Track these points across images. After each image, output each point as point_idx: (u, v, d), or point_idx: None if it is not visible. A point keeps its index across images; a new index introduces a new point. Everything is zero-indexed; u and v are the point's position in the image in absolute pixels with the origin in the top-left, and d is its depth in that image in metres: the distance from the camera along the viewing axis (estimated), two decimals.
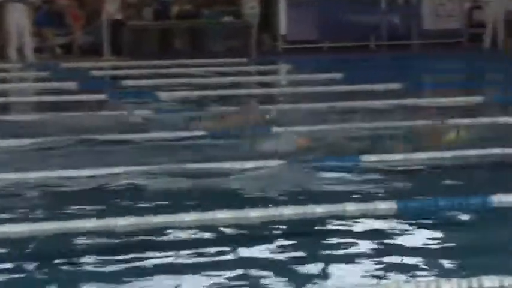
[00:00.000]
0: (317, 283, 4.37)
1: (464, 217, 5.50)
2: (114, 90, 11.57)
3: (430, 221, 5.39)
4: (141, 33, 16.96)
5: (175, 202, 5.88)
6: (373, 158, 7.01)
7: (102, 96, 10.64)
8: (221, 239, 5.13)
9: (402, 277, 4.42)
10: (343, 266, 4.62)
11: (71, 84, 11.86)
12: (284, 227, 5.36)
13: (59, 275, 4.53)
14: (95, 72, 13.88)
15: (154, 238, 5.11)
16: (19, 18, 15.65)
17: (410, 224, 5.34)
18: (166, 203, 5.88)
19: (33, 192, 6.19)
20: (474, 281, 4.05)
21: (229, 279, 4.43)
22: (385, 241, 5.04)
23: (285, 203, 5.70)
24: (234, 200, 5.94)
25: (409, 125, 8.44)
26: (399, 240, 5.08)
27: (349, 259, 4.72)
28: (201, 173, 6.56)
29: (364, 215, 5.44)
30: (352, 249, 4.90)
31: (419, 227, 5.30)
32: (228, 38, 17.17)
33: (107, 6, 16.45)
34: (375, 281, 4.38)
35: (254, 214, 5.36)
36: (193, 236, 5.16)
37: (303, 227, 5.35)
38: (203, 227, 5.24)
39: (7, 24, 15.72)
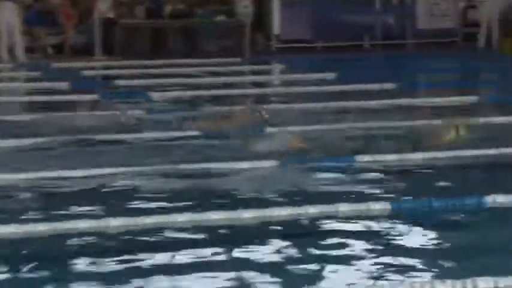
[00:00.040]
0: (312, 284, 4.36)
1: (459, 218, 5.50)
2: (106, 90, 11.53)
3: (424, 222, 5.37)
4: (133, 32, 16.89)
5: (169, 203, 5.86)
6: (367, 158, 7.00)
7: (94, 97, 10.58)
8: (216, 240, 5.12)
9: (396, 278, 4.41)
10: (337, 266, 4.62)
11: (63, 85, 11.80)
12: (279, 227, 5.34)
13: (54, 275, 4.53)
14: (86, 72, 13.82)
15: (148, 239, 5.11)
16: (9, 17, 15.55)
17: (404, 225, 5.33)
18: (161, 203, 5.86)
19: (26, 194, 6.16)
20: (468, 282, 4.06)
21: (224, 280, 4.43)
22: (379, 242, 5.03)
23: (279, 204, 5.69)
24: (229, 200, 5.92)
25: (404, 125, 8.44)
26: (393, 241, 5.07)
27: (343, 260, 4.71)
28: (195, 173, 6.55)
29: (358, 216, 5.44)
30: (346, 250, 4.89)
31: (413, 228, 5.29)
32: (221, 38, 17.13)
33: (99, 4, 16.38)
34: (369, 282, 4.38)
35: (248, 215, 5.36)
36: (188, 237, 5.16)
37: (297, 228, 5.34)
38: (198, 228, 5.23)
39: None
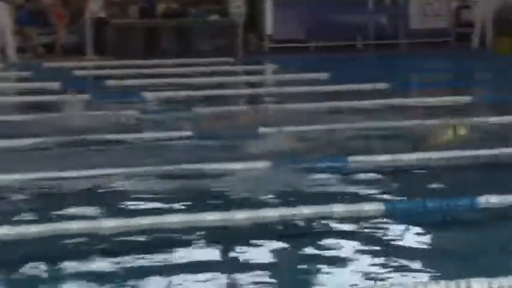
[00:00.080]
0: (306, 285, 4.37)
1: (452, 218, 5.49)
2: (97, 90, 11.48)
3: (418, 222, 5.36)
4: (126, 32, 16.83)
5: (164, 203, 5.86)
6: (361, 158, 6.99)
7: (85, 97, 10.52)
8: (211, 241, 5.10)
9: (390, 279, 4.41)
10: (330, 267, 4.62)
11: (54, 85, 11.73)
12: (273, 228, 5.33)
13: (48, 276, 4.53)
14: (78, 72, 13.76)
15: (142, 239, 5.09)
16: (1, 17, 15.49)
17: (398, 226, 5.33)
18: (155, 204, 5.86)
19: (19, 195, 6.13)
20: (462, 283, 4.06)
21: (218, 281, 4.44)
22: (373, 243, 5.03)
23: (273, 205, 5.69)
24: (222, 201, 5.91)
25: (397, 125, 8.43)
26: (387, 242, 5.06)
27: (337, 261, 4.71)
28: (190, 174, 6.53)
29: (352, 217, 5.44)
30: (340, 251, 4.88)
31: (407, 229, 5.29)
32: (214, 37, 17.09)
33: (91, 4, 16.32)
34: (363, 282, 4.39)
35: (242, 216, 5.35)
36: (182, 238, 5.15)
37: (291, 229, 5.33)
38: (192, 229, 5.22)
39: None
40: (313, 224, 5.35)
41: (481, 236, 5.18)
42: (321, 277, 4.47)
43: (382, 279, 4.38)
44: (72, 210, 5.68)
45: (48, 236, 5.04)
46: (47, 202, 6.01)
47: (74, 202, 5.90)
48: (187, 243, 5.04)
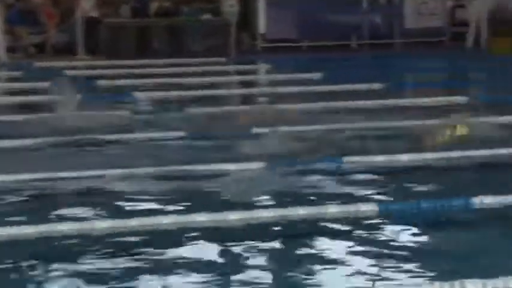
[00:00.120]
0: (300, 286, 4.37)
1: (447, 219, 5.49)
2: (89, 90, 11.41)
3: (412, 223, 5.36)
4: (118, 31, 16.76)
5: (157, 204, 5.87)
6: (356, 159, 6.99)
7: (76, 97, 10.38)
8: (204, 242, 5.09)
9: (384, 280, 4.41)
10: (324, 267, 4.63)
11: (45, 85, 11.64)
12: (267, 229, 5.32)
13: (42, 277, 4.51)
14: (69, 72, 13.68)
15: (137, 240, 5.09)
16: None
17: (392, 227, 5.33)
18: (148, 205, 5.86)
19: (10, 196, 6.10)
20: (456, 284, 4.06)
21: (213, 282, 4.44)
22: (367, 244, 5.02)
23: (267, 206, 5.71)
24: (217, 202, 5.89)
25: (392, 126, 8.41)
26: (381, 243, 5.05)
27: (329, 262, 4.72)
28: (183, 175, 6.52)
29: (346, 218, 5.45)
30: (333, 252, 4.88)
31: (401, 230, 5.29)
32: (207, 37, 17.05)
33: (82, 3, 16.25)
34: (357, 283, 4.38)
35: (235, 217, 5.37)
36: (175, 239, 5.13)
37: (285, 230, 5.33)
38: (185, 229, 5.23)
39: None
40: (308, 224, 5.35)
41: (476, 237, 5.18)
42: (314, 278, 4.47)
43: (376, 280, 4.38)
44: (64, 211, 5.67)
45: (40, 237, 5.05)
46: (39, 203, 6.00)
47: (65, 203, 5.89)
48: (180, 244, 5.03)
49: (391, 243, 5.04)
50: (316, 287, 4.37)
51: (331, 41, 17.25)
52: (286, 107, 9.79)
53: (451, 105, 9.80)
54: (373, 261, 4.68)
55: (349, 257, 4.79)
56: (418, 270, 4.57)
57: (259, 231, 5.28)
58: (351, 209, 5.55)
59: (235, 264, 4.70)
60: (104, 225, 5.24)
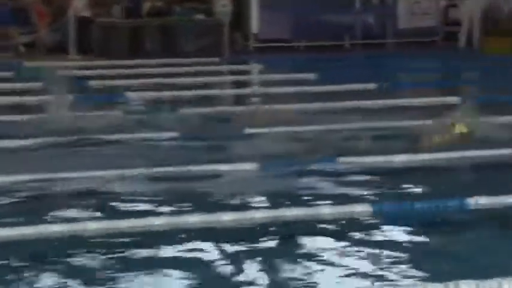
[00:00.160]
0: (295, 286, 4.37)
1: (442, 220, 5.50)
2: (80, 90, 11.37)
3: (406, 224, 5.36)
4: (110, 31, 16.71)
5: (152, 205, 5.86)
6: (350, 159, 6.99)
7: (68, 97, 10.36)
8: (197, 242, 5.08)
9: (378, 280, 4.41)
10: (319, 268, 4.64)
11: (36, 85, 11.60)
12: (261, 230, 5.31)
13: (37, 277, 4.52)
14: (60, 72, 13.58)
15: (129, 240, 5.08)
16: None
17: (386, 227, 5.33)
18: (142, 206, 5.86)
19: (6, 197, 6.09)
20: (451, 285, 4.06)
21: (206, 282, 4.44)
22: (361, 244, 5.02)
23: (260, 207, 5.72)
24: (212, 202, 5.89)
25: (387, 126, 8.40)
26: (375, 244, 5.05)
27: (324, 262, 4.72)
28: (178, 176, 6.52)
29: (340, 218, 5.46)
30: (327, 253, 4.87)
31: (395, 230, 5.30)
32: (199, 37, 17.01)
33: (75, 2, 16.21)
34: (351, 284, 4.39)
35: (228, 217, 5.37)
36: (168, 238, 5.14)
37: (279, 230, 5.33)
38: (179, 230, 5.23)
39: None
40: (302, 225, 5.34)
41: (471, 238, 5.19)
42: (308, 278, 4.46)
43: (369, 281, 4.39)
44: (56, 213, 5.65)
45: (37, 237, 5.06)
46: (28, 205, 5.98)
47: (56, 204, 5.86)
48: (173, 245, 5.03)
49: (385, 243, 5.03)
50: (310, 287, 4.37)
51: (323, 41, 17.22)
52: (279, 107, 9.80)
53: (444, 105, 9.78)
54: (367, 262, 4.69)
55: (343, 258, 4.79)
56: (412, 270, 4.56)
57: (253, 232, 5.27)
58: (345, 209, 5.55)
59: (228, 265, 4.69)
60: (96, 226, 5.23)
